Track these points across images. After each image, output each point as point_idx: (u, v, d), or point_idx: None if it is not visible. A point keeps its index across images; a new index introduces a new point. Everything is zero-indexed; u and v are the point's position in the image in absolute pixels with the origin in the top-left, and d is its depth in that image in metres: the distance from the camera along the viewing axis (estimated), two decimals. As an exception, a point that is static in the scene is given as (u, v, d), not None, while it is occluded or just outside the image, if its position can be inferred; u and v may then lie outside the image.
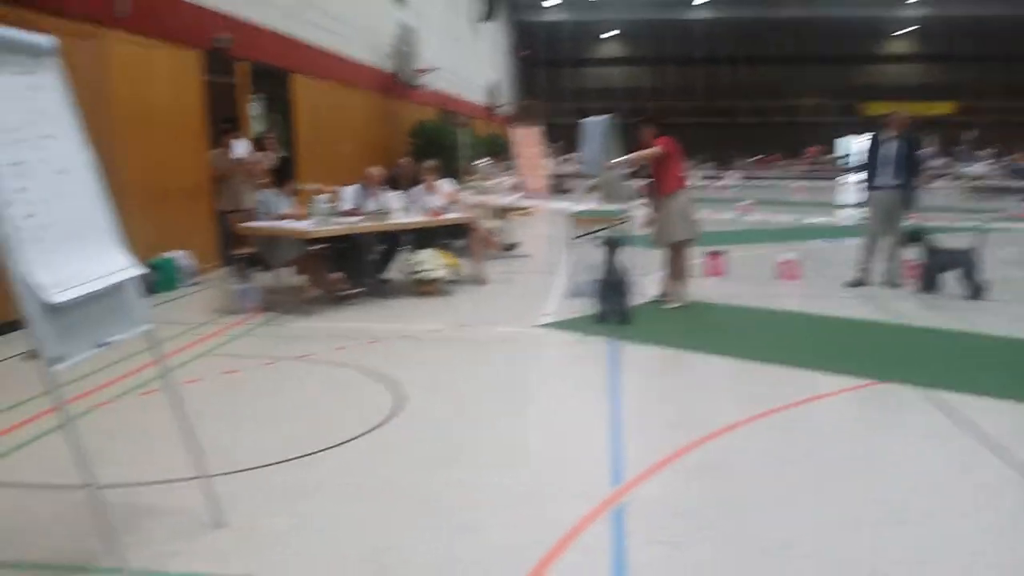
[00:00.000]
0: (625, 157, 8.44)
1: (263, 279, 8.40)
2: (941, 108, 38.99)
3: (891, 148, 8.80)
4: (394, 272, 9.40)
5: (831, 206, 22.18)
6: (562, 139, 32.19)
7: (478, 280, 9.38)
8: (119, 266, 3.08)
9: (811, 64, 40.65)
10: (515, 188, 18.80)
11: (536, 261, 11.50)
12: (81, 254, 2.89)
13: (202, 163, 9.76)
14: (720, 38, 40.71)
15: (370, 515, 3.57)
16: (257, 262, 8.39)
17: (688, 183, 8.18)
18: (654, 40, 41.31)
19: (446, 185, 9.95)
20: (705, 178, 28.24)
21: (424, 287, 8.59)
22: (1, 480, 3.98)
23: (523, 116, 35.88)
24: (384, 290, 8.90)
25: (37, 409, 4.79)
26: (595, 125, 10.35)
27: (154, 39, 8.88)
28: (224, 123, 9.58)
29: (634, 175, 9.09)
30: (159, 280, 8.65)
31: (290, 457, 4.17)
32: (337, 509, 3.63)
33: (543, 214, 18.51)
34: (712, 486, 3.89)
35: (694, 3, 38.48)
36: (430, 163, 10.01)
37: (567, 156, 31.13)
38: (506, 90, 35.96)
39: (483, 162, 20.20)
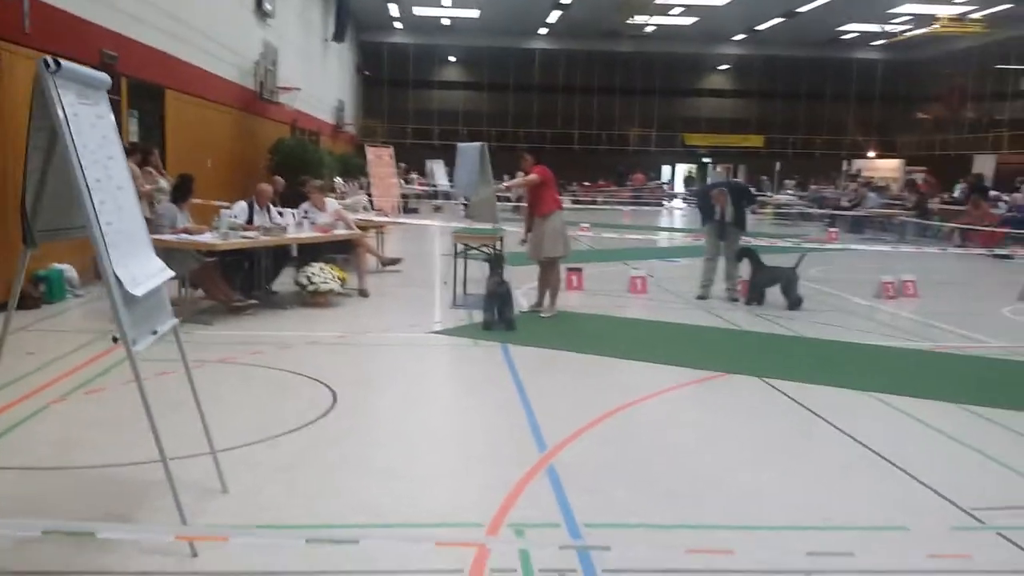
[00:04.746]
0: (508, 183, 9.41)
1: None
2: (752, 141, 42.81)
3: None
4: (280, 284, 9.88)
5: (662, 229, 24.16)
6: (404, 159, 32.94)
7: (362, 293, 10.03)
8: (159, 268, 3.66)
9: (638, 96, 43.49)
10: (370, 206, 19.42)
11: (408, 275, 12.21)
12: (140, 257, 3.47)
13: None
14: (556, 68, 42.83)
15: (345, 481, 4.27)
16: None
17: (562, 205, 9.23)
18: (493, 67, 42.88)
19: (332, 203, 10.54)
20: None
21: (316, 299, 9.16)
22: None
23: (368, 135, 36.41)
24: (273, 301, 9.39)
25: (7, 400, 5.12)
26: (469, 150, 11.29)
27: (51, 54, 8.98)
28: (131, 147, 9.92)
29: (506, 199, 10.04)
30: (48, 290, 8.77)
31: (259, 439, 4.78)
32: (316, 477, 4.31)
33: (400, 230, 19.22)
34: (618, 450, 4.85)
35: (540, 32, 40.32)
36: (317, 182, 10.57)
37: (412, 176, 31.96)
38: (351, 109, 36.32)
39: (340, 180, 20.68)
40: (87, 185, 3.17)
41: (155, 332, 3.53)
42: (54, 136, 3.37)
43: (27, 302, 8.55)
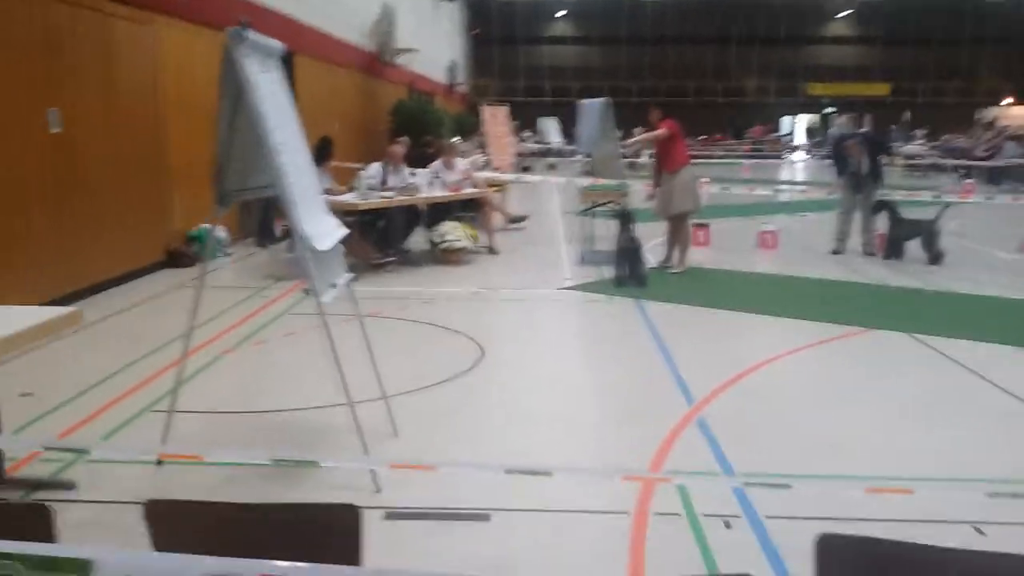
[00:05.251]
0: (636, 139, 9.38)
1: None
2: (878, 89, 40.85)
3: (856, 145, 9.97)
4: (411, 243, 10.18)
5: (790, 183, 23.50)
6: (515, 117, 32.88)
7: (491, 250, 10.22)
8: (335, 225, 3.89)
9: (755, 45, 42.07)
10: (486, 165, 19.63)
11: (531, 233, 12.33)
12: (319, 215, 3.70)
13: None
14: (669, 19, 41.84)
15: (505, 425, 4.47)
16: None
17: (690, 160, 9.13)
18: (605, 20, 42.22)
19: (462, 162, 10.75)
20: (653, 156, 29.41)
21: (449, 256, 9.41)
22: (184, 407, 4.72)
23: (479, 95, 36.60)
24: (408, 259, 9.69)
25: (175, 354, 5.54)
26: (592, 107, 11.27)
27: (196, 24, 9.45)
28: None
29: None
30: (199, 249, 9.33)
31: (418, 387, 5.03)
32: (476, 424, 4.52)
33: (517, 189, 19.37)
34: (767, 404, 4.87)
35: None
36: (451, 141, 10.81)
37: (525, 134, 31.96)
38: (462, 68, 36.55)
39: (457, 140, 20.94)
40: (274, 148, 3.39)
41: (334, 285, 3.76)
42: (237, 103, 3.61)
43: (182, 260, 9.14)
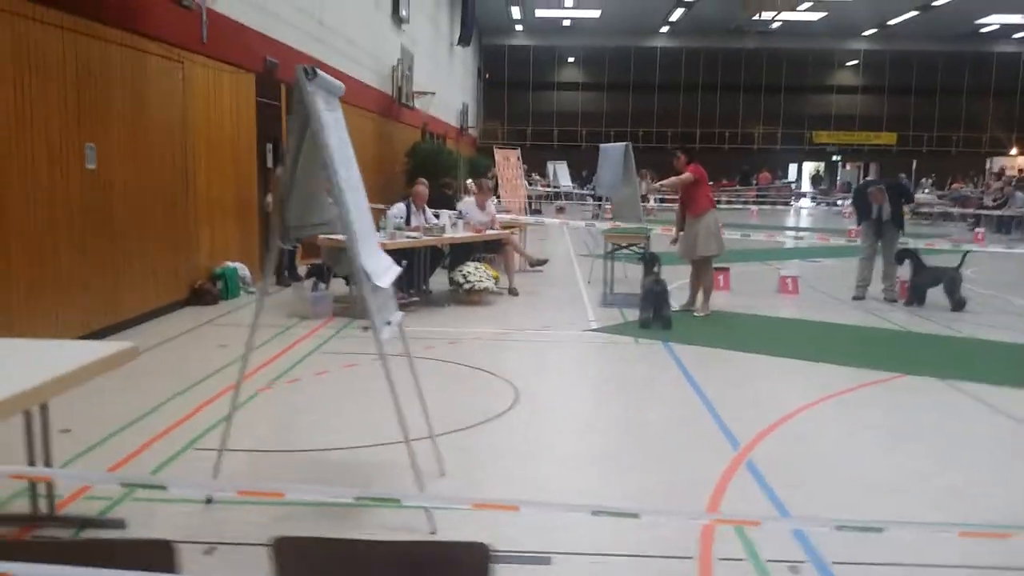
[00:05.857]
0: (663, 182, 9.44)
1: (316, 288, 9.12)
2: (884, 138, 41.22)
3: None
4: (433, 282, 10.18)
5: (795, 230, 23.60)
6: (524, 161, 33.04)
7: (511, 291, 10.23)
8: (389, 263, 3.89)
9: (763, 93, 42.52)
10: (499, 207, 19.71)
11: (549, 274, 12.33)
12: (376, 253, 3.70)
13: (252, 179, 10.48)
14: (678, 67, 42.34)
15: (551, 466, 4.42)
16: (319, 272, 9.13)
17: (715, 204, 9.17)
18: (614, 67, 42.77)
19: (492, 205, 10.80)
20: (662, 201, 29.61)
21: (471, 296, 9.41)
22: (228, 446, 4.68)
23: (489, 138, 36.93)
24: (430, 299, 9.69)
25: (216, 389, 5.53)
26: (613, 151, 11.37)
27: (223, 63, 9.57)
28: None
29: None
30: (224, 287, 9.33)
31: (458, 428, 4.99)
32: (522, 464, 4.47)
33: (528, 231, 19.42)
34: (808, 449, 4.83)
35: (661, 31, 40.06)
36: (486, 181, 10.90)
37: (535, 177, 32.20)
38: (473, 112, 36.93)
39: (470, 182, 21.07)
40: (340, 184, 3.41)
41: (389, 323, 3.75)
42: (301, 140, 3.64)
43: (206, 298, 9.13)
